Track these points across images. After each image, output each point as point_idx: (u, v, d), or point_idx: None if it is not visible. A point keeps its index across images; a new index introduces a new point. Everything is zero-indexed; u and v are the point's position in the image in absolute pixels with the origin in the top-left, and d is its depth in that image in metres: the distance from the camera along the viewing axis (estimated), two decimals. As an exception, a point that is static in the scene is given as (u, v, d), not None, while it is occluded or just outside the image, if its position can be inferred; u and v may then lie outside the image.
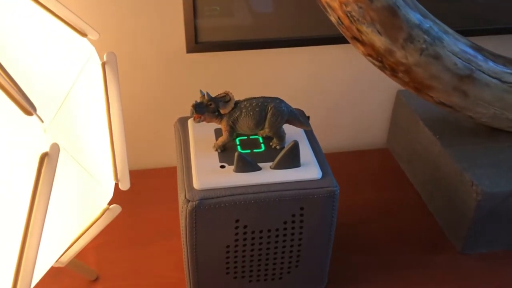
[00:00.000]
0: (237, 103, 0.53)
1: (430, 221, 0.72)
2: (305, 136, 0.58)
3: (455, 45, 0.62)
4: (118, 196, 0.54)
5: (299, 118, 0.56)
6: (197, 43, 0.71)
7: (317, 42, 0.75)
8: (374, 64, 0.63)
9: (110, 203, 0.52)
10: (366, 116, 0.85)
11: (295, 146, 0.52)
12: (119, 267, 0.62)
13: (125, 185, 0.52)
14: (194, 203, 0.49)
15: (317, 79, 0.80)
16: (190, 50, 0.71)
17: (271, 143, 0.55)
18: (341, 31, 0.61)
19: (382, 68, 0.63)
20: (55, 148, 0.36)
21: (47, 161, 0.36)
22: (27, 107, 0.35)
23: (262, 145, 0.56)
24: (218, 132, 0.57)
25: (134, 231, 0.67)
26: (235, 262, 0.54)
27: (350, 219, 0.71)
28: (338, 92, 0.82)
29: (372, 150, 0.86)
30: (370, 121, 0.86)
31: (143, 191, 0.73)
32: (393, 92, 0.83)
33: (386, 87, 0.82)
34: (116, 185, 0.52)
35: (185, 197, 0.49)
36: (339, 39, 0.71)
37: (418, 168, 0.77)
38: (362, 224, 0.71)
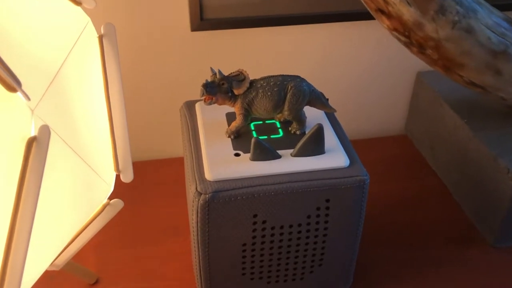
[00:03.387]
0: (252, 82, 0.48)
1: (457, 212, 0.68)
2: (327, 120, 0.53)
3: (489, 17, 0.57)
4: (119, 189, 0.50)
5: (322, 99, 0.50)
6: (202, 20, 0.66)
7: (331, 18, 0.71)
8: (399, 40, 0.58)
9: (110, 198, 0.47)
10: (383, 101, 0.81)
11: (320, 130, 0.47)
12: (121, 269, 0.59)
13: (127, 177, 0.46)
14: (207, 196, 0.44)
15: (330, 60, 0.76)
16: (195, 28, 0.67)
17: (290, 128, 0.51)
18: (364, 2, 0.55)
19: (409, 44, 0.58)
20: (45, 131, 0.31)
21: (36, 146, 0.31)
22: (10, 82, 0.29)
23: (280, 130, 0.51)
24: (230, 117, 0.52)
25: (138, 228, 0.64)
26: (252, 262, 0.50)
27: (372, 212, 0.67)
28: (352, 75, 0.78)
29: (389, 137, 0.82)
30: (387, 106, 0.82)
31: (147, 183, 0.69)
32: (412, 74, 0.79)
33: (405, 69, 0.78)
34: (118, 177, 0.47)
35: (196, 190, 0.45)
36: (354, 15, 0.68)
37: (442, 155, 0.72)
38: (385, 217, 0.67)
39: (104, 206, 0.45)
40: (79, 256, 0.52)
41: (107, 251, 0.60)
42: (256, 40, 0.71)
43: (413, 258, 0.61)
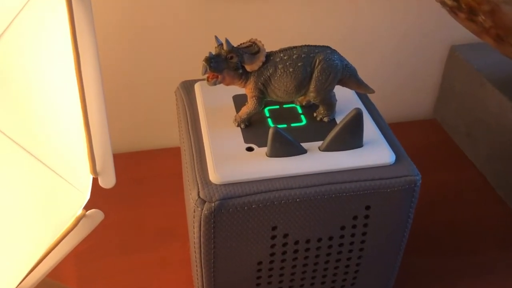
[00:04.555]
0: (269, 55, 0.38)
1: (501, 210, 0.59)
2: (362, 103, 0.43)
3: (557, -26, 0.47)
4: (100, 191, 0.39)
5: (358, 77, 0.40)
6: (201, -18, 0.58)
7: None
8: (444, 4, 0.50)
9: (87, 207, 0.36)
10: (408, 79, 0.73)
11: (358, 117, 0.37)
12: (105, 283, 0.52)
13: (108, 181, 0.36)
14: (213, 204, 0.35)
15: (349, 31, 0.67)
16: (192, -9, 0.59)
17: (315, 114, 0.41)
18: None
19: (456, 9, 0.49)
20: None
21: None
22: None
23: (302, 116, 0.42)
24: (238, 100, 0.43)
25: (126, 232, 0.57)
26: (269, 283, 0.41)
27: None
28: (372, 49, 0.69)
29: (415, 122, 0.74)
30: (412, 85, 0.73)
31: (135, 181, 0.62)
32: (445, 47, 0.70)
33: (435, 41, 0.69)
34: (95, 180, 0.37)
35: (199, 196, 0.35)
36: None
37: (482, 143, 0.63)
38: (420, 216, 0.58)
39: (78, 219, 0.35)
40: (56, 268, 0.42)
41: (90, 261, 0.53)
42: (264, 7, 0.62)
43: (459, 266, 0.53)
